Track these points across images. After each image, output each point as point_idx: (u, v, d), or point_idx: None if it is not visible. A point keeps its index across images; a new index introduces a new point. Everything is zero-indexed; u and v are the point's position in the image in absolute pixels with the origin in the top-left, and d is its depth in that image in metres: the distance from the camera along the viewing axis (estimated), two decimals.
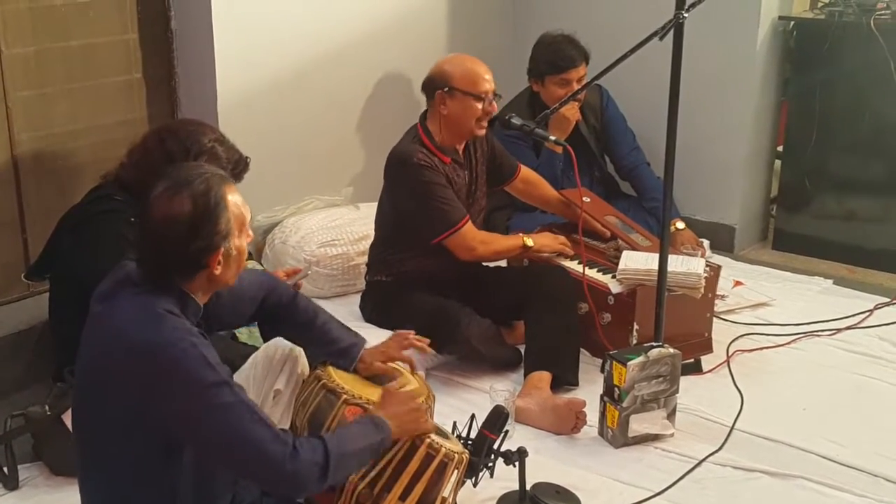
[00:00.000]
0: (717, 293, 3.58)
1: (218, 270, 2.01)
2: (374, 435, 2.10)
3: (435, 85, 3.30)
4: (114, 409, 1.95)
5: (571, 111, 3.95)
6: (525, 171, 3.65)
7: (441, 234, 3.27)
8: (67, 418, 2.57)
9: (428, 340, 2.63)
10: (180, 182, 1.98)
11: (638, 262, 3.28)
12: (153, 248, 1.98)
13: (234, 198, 2.03)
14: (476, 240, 3.33)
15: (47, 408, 2.67)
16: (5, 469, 2.68)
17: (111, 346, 1.94)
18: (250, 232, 2.11)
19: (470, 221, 3.31)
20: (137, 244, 2.01)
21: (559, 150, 3.77)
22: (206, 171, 2.03)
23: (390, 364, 2.49)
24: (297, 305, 2.45)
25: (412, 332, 2.62)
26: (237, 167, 2.83)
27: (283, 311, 2.44)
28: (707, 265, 3.38)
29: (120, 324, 1.94)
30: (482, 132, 3.35)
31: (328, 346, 2.44)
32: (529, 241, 3.42)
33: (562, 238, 3.49)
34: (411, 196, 3.28)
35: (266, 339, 2.75)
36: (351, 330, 2.52)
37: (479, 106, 3.27)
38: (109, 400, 1.95)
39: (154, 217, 1.97)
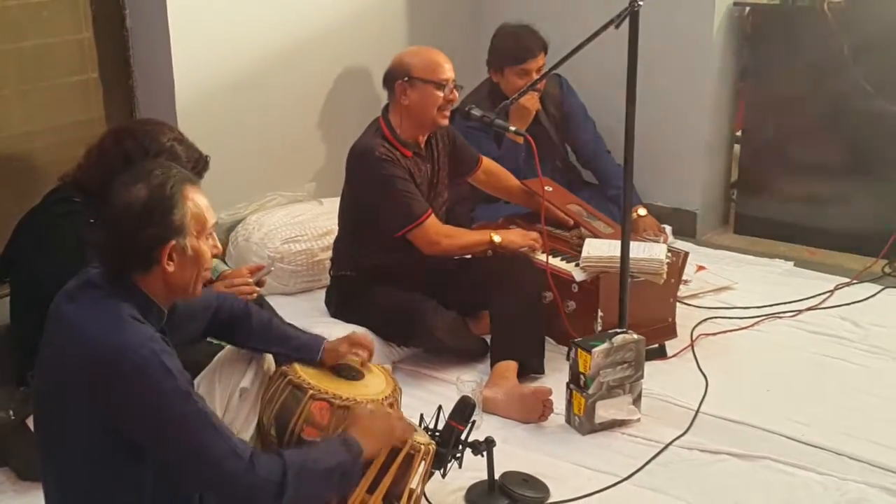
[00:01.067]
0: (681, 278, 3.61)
1: (171, 268, 1.98)
2: (341, 454, 2.06)
3: (395, 75, 3.30)
4: (74, 412, 1.93)
5: (531, 101, 3.96)
6: (487, 163, 3.65)
7: (404, 227, 3.27)
8: (32, 423, 2.55)
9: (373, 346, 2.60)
10: (141, 174, 2.00)
11: (601, 249, 3.30)
12: (109, 236, 1.98)
13: (195, 197, 2.02)
14: (440, 234, 3.33)
15: (11, 413, 2.64)
16: None
17: (72, 348, 1.93)
18: (217, 243, 2.09)
19: (433, 215, 3.31)
20: (99, 237, 2.00)
21: (520, 140, 3.78)
22: (170, 167, 2.04)
23: (349, 357, 2.46)
24: (249, 313, 2.43)
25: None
26: (197, 166, 2.81)
27: (237, 321, 2.42)
28: (671, 251, 3.41)
29: (82, 326, 1.93)
30: (445, 121, 3.35)
31: (290, 342, 2.43)
32: (497, 238, 3.40)
33: (533, 234, 3.45)
34: (373, 190, 3.28)
35: None
36: (308, 332, 2.51)
37: (440, 94, 3.26)
38: (69, 402, 1.94)
39: (111, 204, 1.98)
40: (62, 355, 1.95)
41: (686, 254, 3.51)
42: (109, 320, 1.91)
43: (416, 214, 3.26)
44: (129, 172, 2.02)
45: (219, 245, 2.11)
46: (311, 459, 2.01)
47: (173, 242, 1.97)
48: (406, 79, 3.27)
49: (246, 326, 2.42)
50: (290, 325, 2.50)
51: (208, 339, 3.04)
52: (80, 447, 1.95)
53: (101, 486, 1.97)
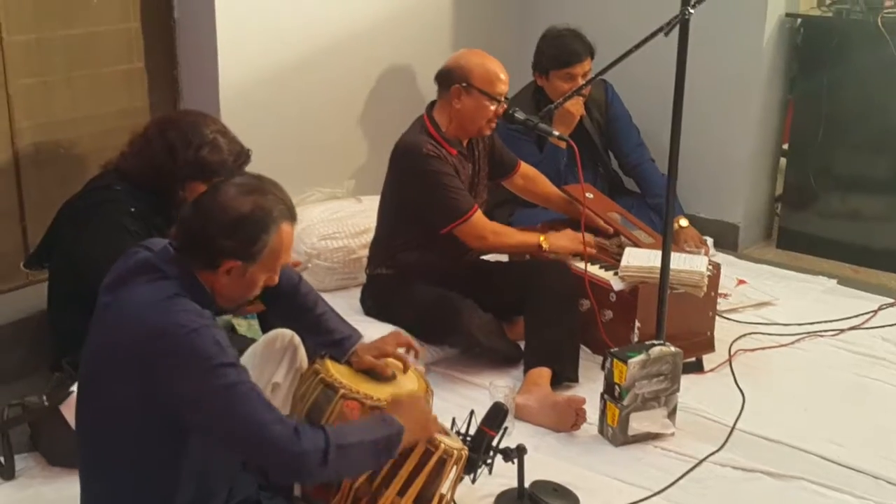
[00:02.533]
0: (721, 292, 3.56)
1: (224, 280, 2.04)
2: (379, 429, 2.09)
3: (453, 78, 3.28)
4: (121, 394, 1.96)
5: (575, 106, 3.93)
6: (524, 167, 3.63)
7: (451, 223, 3.25)
8: (65, 409, 2.56)
9: (420, 348, 2.62)
10: (256, 188, 2.07)
11: (640, 259, 3.26)
12: (194, 221, 2.03)
13: (285, 236, 2.08)
14: (487, 229, 3.32)
15: (45, 398, 2.66)
16: (2, 459, 2.67)
17: (122, 329, 1.96)
18: (276, 278, 2.13)
19: (479, 210, 3.30)
20: (187, 214, 2.05)
21: (563, 145, 3.75)
22: (282, 197, 2.11)
23: (383, 359, 2.47)
24: (298, 291, 2.45)
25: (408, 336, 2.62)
26: (238, 159, 2.82)
27: (283, 295, 2.43)
28: (711, 264, 3.36)
29: (131, 308, 1.97)
30: (489, 132, 3.36)
31: (323, 336, 2.44)
32: (545, 244, 3.36)
33: (589, 237, 3.38)
34: (420, 186, 3.26)
35: (265, 330, 2.74)
36: (349, 324, 2.50)
37: (493, 107, 3.27)
38: (117, 385, 1.97)
39: (216, 198, 2.03)
40: (114, 335, 1.99)
41: (718, 265, 3.46)
42: (160, 300, 1.96)
43: (464, 210, 3.25)
44: (249, 178, 2.11)
45: (276, 280, 2.15)
46: (350, 433, 2.05)
47: (240, 263, 2.02)
48: (465, 84, 3.25)
49: (290, 301, 2.43)
50: (332, 312, 2.50)
51: (241, 333, 3.09)
52: (124, 427, 1.98)
53: (143, 468, 2.00)
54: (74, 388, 2.27)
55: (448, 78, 3.30)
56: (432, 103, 3.37)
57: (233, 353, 1.97)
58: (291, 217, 2.12)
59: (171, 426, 1.96)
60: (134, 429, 1.98)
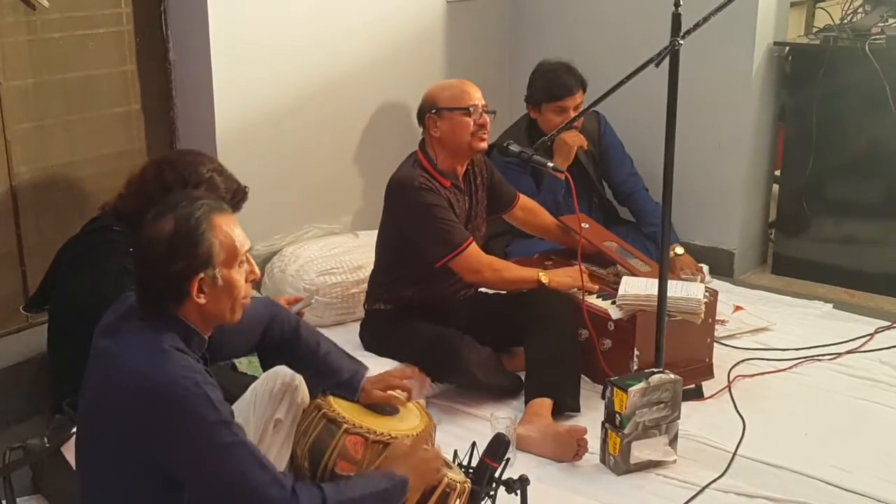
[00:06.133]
0: (718, 318, 3.58)
1: (201, 300, 1.99)
2: (382, 483, 2.08)
3: (424, 110, 3.34)
4: (116, 445, 1.94)
5: (574, 138, 3.97)
6: (524, 200, 3.65)
7: (445, 256, 3.27)
8: (66, 451, 2.55)
9: (428, 379, 2.62)
10: (168, 206, 2.01)
11: (637, 287, 3.27)
12: (141, 270, 2.00)
13: (224, 226, 2.02)
14: (483, 263, 3.33)
15: (46, 440, 2.65)
16: (4, 502, 2.66)
17: (115, 382, 1.94)
18: (255, 268, 2.09)
19: (474, 243, 3.31)
20: (134, 270, 2.02)
21: (561, 176, 3.78)
22: (198, 197, 2.05)
23: (389, 392, 2.47)
24: (299, 336, 2.44)
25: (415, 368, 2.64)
26: (235, 196, 2.84)
27: (285, 342, 2.43)
28: (708, 290, 3.38)
29: (125, 361, 1.94)
30: (482, 145, 3.34)
31: (331, 378, 2.43)
32: (545, 279, 3.37)
33: (585, 277, 3.38)
34: (414, 219, 3.28)
35: (265, 368, 2.74)
36: (352, 357, 2.51)
37: (469, 119, 3.28)
38: (112, 437, 1.95)
39: (142, 238, 2.00)
40: (105, 387, 1.97)
41: (716, 292, 3.48)
42: (152, 353, 1.93)
43: (458, 242, 3.26)
44: (158, 205, 2.03)
45: (256, 270, 2.10)
46: (349, 489, 2.03)
47: (202, 275, 1.98)
48: (434, 111, 3.29)
49: (292, 351, 2.43)
50: (335, 349, 2.50)
51: (241, 370, 3.08)
52: (118, 478, 1.96)
53: None
54: (76, 429, 2.27)
55: (420, 113, 3.36)
56: (423, 140, 3.40)
57: (227, 409, 1.94)
58: (218, 208, 2.04)
59: (165, 482, 1.94)
60: (130, 481, 1.96)
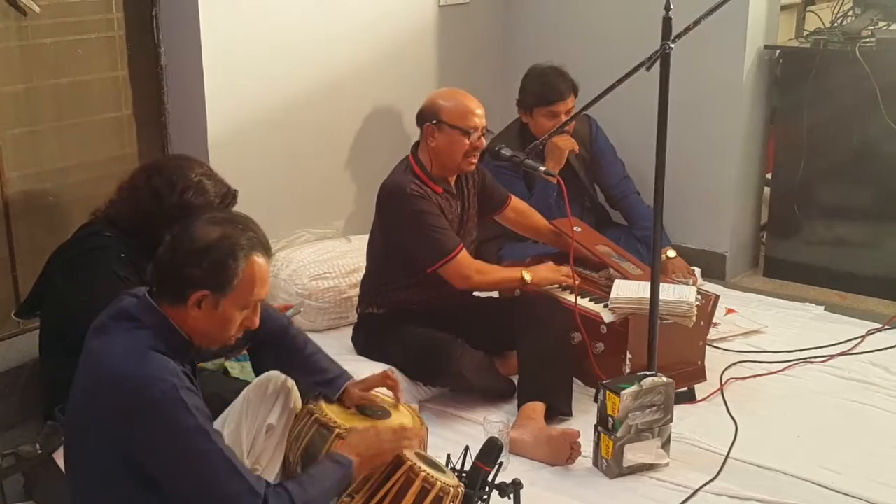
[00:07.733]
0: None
1: (195, 313, 2.00)
2: (335, 472, 2.11)
3: (425, 117, 3.32)
4: (98, 443, 1.95)
5: (566, 141, 3.97)
6: (515, 202, 3.65)
7: (436, 262, 3.27)
8: (59, 457, 2.55)
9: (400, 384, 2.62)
10: (226, 220, 2.05)
11: (630, 290, 3.28)
12: (163, 253, 2.02)
13: (258, 267, 2.03)
14: (472, 268, 3.33)
15: (38, 446, 2.65)
16: None
17: (98, 381, 1.96)
18: (256, 320, 2.09)
19: (464, 249, 3.31)
20: (161, 248, 2.04)
21: (553, 180, 3.79)
22: (252, 230, 2.06)
23: (373, 392, 2.48)
24: (287, 332, 2.46)
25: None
26: (225, 200, 2.83)
27: (273, 338, 2.44)
28: (701, 294, 3.38)
29: (108, 357, 1.96)
30: (471, 167, 3.36)
31: (314, 375, 2.45)
32: (527, 276, 3.39)
33: (564, 269, 3.44)
34: (405, 226, 3.28)
35: (258, 373, 2.74)
36: (339, 365, 2.53)
37: (467, 141, 3.28)
38: (95, 434, 1.96)
39: (187, 230, 2.02)
40: (89, 385, 1.98)
41: (716, 297, 3.48)
42: (133, 352, 1.94)
43: (448, 249, 3.26)
44: (221, 212, 2.12)
45: (256, 322, 2.10)
46: (311, 486, 2.04)
47: (207, 293, 1.99)
48: (435, 122, 3.28)
49: (279, 346, 2.44)
50: (321, 352, 2.51)
51: (234, 375, 3.08)
52: (102, 477, 1.97)
53: None
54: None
55: (421, 117, 3.34)
56: (416, 144, 3.40)
57: (203, 415, 1.95)
58: (264, 250, 2.06)
59: (147, 482, 1.95)
60: (116, 481, 1.96)
